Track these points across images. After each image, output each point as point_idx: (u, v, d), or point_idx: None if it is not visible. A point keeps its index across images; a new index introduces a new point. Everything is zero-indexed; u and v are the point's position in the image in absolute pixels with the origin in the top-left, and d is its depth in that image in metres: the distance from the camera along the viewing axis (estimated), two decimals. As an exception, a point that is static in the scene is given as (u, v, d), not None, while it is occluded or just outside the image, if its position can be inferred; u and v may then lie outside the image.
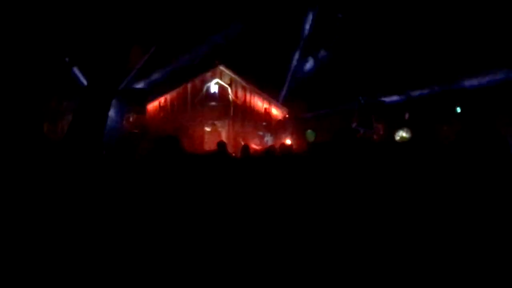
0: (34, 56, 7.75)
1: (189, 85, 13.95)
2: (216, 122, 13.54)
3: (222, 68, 14.01)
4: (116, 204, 3.66)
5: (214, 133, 12.97)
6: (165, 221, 3.60)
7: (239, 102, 14.08)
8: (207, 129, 13.21)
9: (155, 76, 13.68)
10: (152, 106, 13.59)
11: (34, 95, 7.85)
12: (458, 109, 10.14)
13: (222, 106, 13.91)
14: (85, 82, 11.17)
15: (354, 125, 9.83)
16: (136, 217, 3.60)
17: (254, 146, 12.01)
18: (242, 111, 13.99)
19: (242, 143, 7.18)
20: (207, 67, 13.98)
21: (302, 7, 13.39)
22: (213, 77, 14.01)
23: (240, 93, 14.15)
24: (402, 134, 11.47)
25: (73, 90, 10.89)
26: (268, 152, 5.49)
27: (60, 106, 10.95)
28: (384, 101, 11.27)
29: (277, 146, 9.91)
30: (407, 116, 11.76)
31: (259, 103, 14.21)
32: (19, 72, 7.48)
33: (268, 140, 12.88)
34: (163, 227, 3.53)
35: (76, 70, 12.02)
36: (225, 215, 3.86)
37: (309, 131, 13.03)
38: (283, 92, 14.17)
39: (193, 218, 3.71)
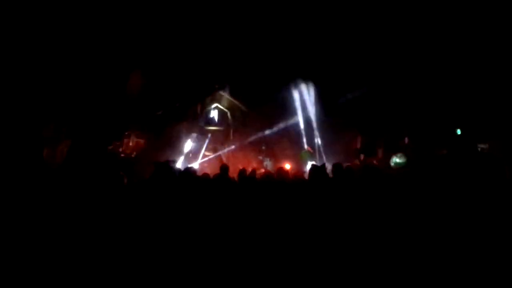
0: (31, 81, 7.77)
1: (188, 110, 14.02)
2: (215, 146, 13.52)
3: (221, 93, 14.14)
4: (118, 227, 3.59)
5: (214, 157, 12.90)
6: (165, 244, 3.55)
7: (238, 126, 14.13)
8: (207, 153, 13.15)
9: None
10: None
11: (32, 120, 7.83)
12: (458, 131, 10.17)
13: (222, 130, 13.94)
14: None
15: (356, 149, 9.80)
16: (137, 239, 3.53)
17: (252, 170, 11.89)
18: (242, 135, 14.00)
19: (240, 167, 7.13)
20: (206, 92, 14.11)
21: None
22: (212, 102, 14.13)
23: (239, 117, 14.22)
24: (396, 160, 11.36)
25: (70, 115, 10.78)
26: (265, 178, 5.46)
27: (59, 131, 10.87)
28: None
29: (275, 170, 9.84)
30: (406, 140, 11.78)
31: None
32: (17, 97, 7.49)
33: (268, 164, 12.82)
34: (163, 249, 3.49)
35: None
36: (224, 239, 3.80)
37: (303, 151, 12.88)
38: None
39: (193, 242, 3.66)
